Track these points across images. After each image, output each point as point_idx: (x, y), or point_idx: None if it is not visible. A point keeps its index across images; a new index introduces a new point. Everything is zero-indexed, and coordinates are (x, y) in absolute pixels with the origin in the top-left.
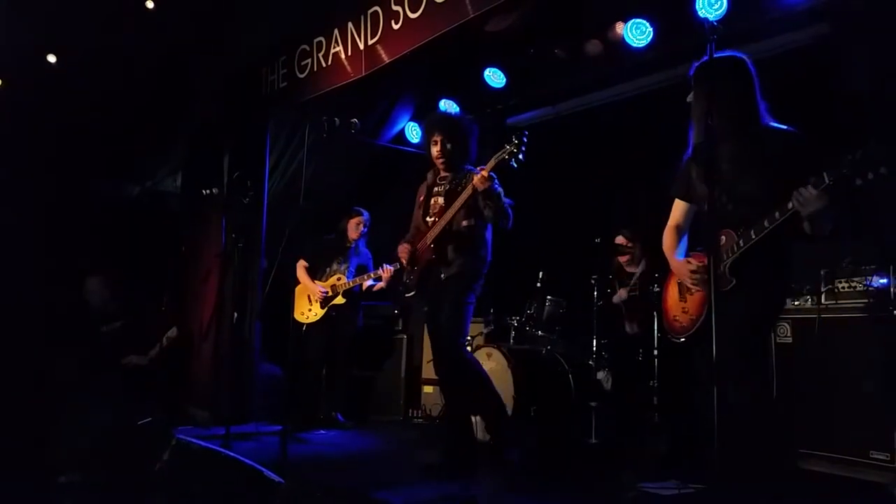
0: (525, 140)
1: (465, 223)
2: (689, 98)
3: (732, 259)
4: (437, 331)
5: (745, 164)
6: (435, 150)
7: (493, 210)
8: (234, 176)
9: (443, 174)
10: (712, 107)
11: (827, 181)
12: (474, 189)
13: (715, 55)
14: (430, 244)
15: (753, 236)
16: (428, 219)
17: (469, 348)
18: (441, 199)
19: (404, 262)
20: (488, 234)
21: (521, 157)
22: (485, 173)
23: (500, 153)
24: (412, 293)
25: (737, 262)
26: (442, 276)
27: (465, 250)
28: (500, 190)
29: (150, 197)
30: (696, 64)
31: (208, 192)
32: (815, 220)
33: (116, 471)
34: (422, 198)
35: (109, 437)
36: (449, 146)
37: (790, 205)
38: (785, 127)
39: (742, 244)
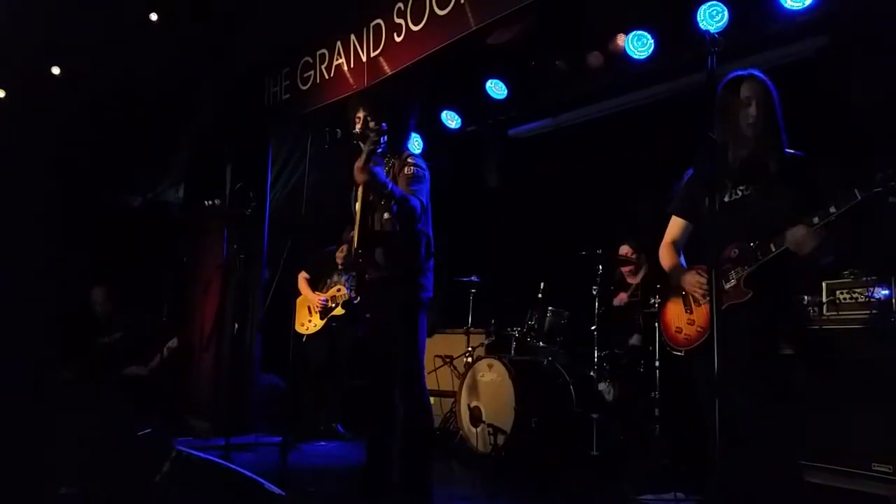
0: (384, 129)
1: (386, 216)
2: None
3: (750, 271)
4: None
5: (771, 181)
6: (358, 128)
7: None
8: (237, 187)
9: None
10: (745, 121)
11: (858, 198)
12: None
13: (752, 72)
14: (357, 248)
15: (773, 249)
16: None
17: (469, 360)
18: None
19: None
20: (428, 229)
21: (379, 149)
22: (359, 164)
23: (367, 145)
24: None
25: (752, 275)
26: (368, 277)
27: (391, 250)
28: (387, 181)
29: (152, 207)
30: (737, 74)
31: (210, 202)
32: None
33: (116, 482)
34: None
35: (109, 447)
36: (372, 124)
37: (815, 219)
38: (793, 151)
39: (761, 257)
